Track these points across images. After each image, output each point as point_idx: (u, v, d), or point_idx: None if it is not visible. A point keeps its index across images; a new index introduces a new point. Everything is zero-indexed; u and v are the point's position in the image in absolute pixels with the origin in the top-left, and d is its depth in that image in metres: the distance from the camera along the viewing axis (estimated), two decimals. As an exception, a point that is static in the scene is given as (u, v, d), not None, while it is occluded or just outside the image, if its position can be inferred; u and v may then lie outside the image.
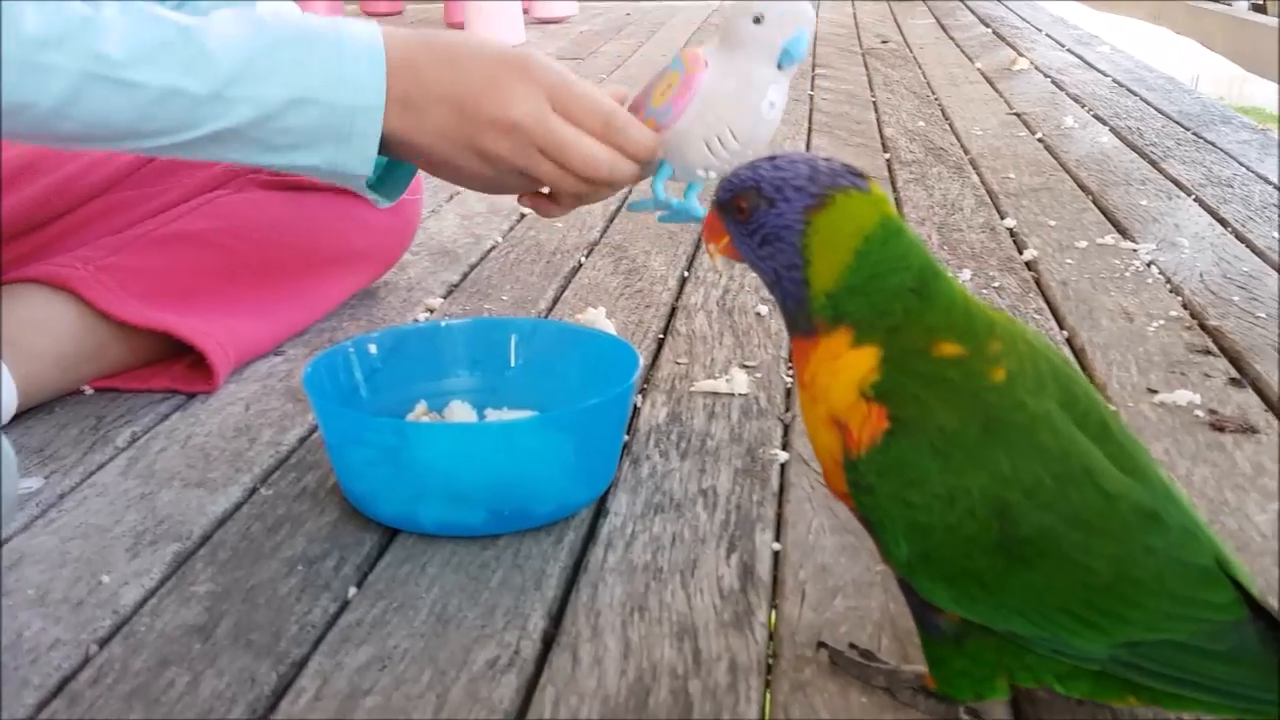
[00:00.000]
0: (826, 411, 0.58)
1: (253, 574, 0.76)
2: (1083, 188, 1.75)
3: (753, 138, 0.86)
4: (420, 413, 0.92)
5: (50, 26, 0.75)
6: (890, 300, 0.57)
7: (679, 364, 1.11)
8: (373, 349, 0.93)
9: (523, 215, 1.64)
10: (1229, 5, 2.26)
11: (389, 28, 0.86)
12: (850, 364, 0.57)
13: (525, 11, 3.81)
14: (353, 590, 0.74)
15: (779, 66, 0.84)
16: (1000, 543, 0.54)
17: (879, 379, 0.56)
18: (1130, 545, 0.54)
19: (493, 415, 0.92)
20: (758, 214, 0.59)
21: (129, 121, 0.79)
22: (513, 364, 0.96)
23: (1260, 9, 2.13)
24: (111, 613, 0.72)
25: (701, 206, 0.88)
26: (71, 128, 0.78)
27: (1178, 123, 2.20)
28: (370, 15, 4.83)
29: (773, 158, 0.60)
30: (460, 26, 3.83)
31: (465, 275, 1.39)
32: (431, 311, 1.27)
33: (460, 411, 0.91)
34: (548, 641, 0.70)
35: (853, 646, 0.68)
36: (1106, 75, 2.73)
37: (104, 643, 0.69)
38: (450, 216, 1.65)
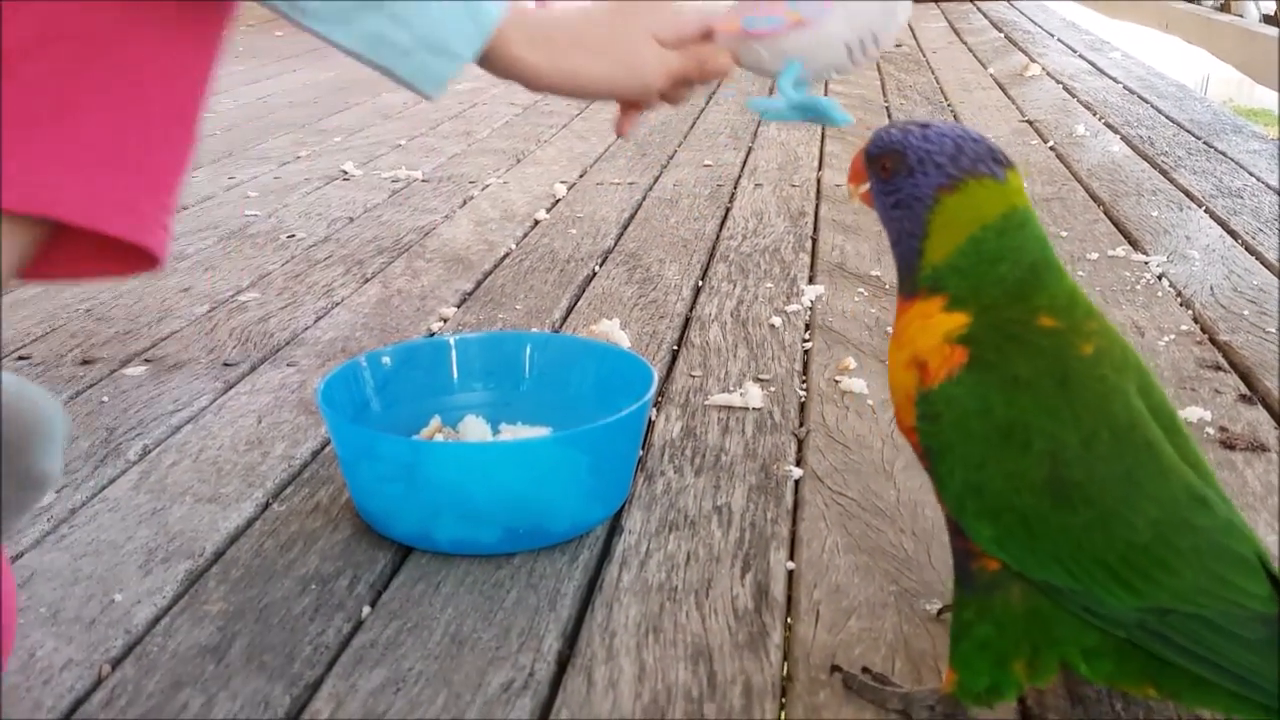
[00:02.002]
0: (910, 355, 0.61)
1: (266, 592, 0.76)
2: (1094, 198, 1.74)
3: (888, 44, 0.84)
4: (435, 428, 0.91)
5: None
6: (991, 285, 0.60)
7: (693, 377, 1.11)
8: (386, 362, 0.93)
9: (536, 222, 1.64)
10: (1240, 16, 2.25)
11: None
12: (942, 321, 0.60)
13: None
14: (366, 610, 0.74)
15: None
16: (1048, 483, 0.56)
17: (967, 331, 0.59)
18: (1174, 515, 0.56)
19: (507, 430, 0.92)
20: (897, 178, 0.62)
21: None
22: (527, 379, 0.95)
23: (1272, 20, 2.12)
24: (124, 632, 0.72)
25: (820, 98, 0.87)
26: None
27: (1189, 131, 2.19)
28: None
29: (925, 125, 0.62)
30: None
31: (479, 284, 1.39)
32: (445, 321, 1.27)
33: (475, 427, 0.91)
34: (562, 663, 0.70)
35: (866, 671, 0.68)
36: (1118, 82, 2.72)
37: (116, 663, 0.69)
38: (464, 223, 1.64)
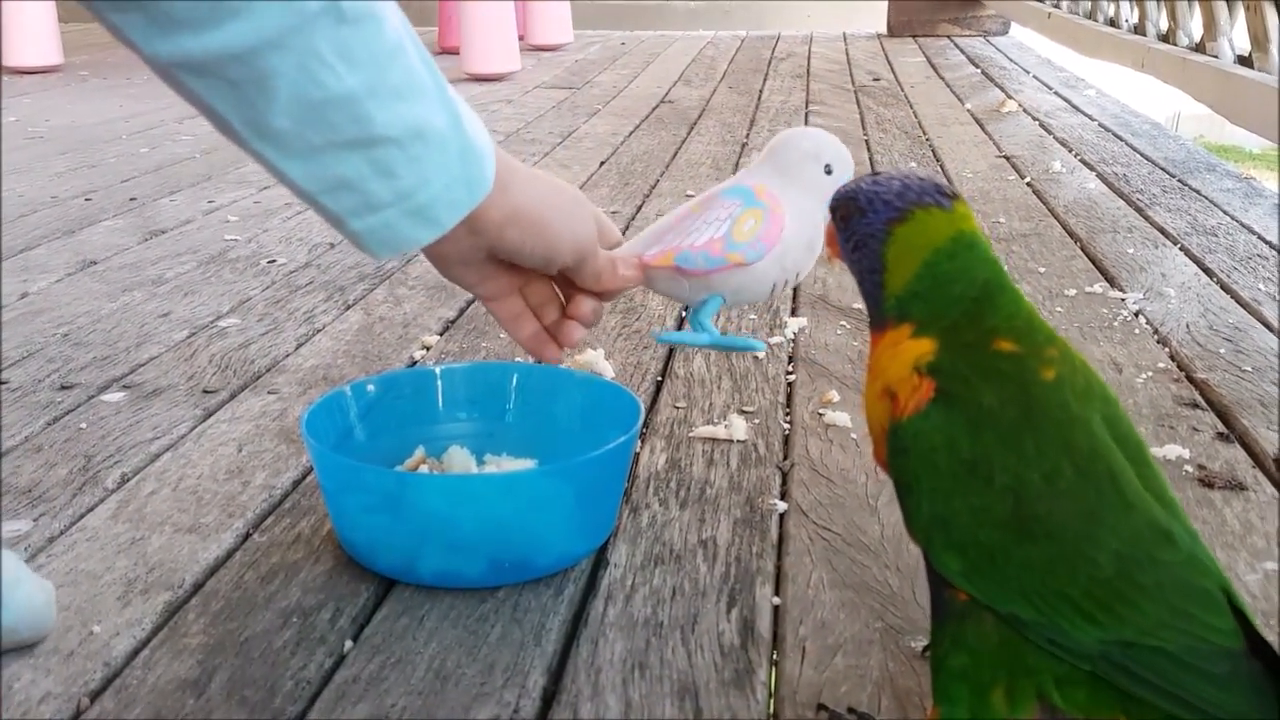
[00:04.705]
0: (882, 385, 0.62)
1: (246, 625, 0.75)
2: (1071, 234, 1.76)
3: (806, 273, 0.91)
4: (419, 458, 0.91)
5: None
6: (949, 305, 0.62)
7: (678, 408, 1.11)
8: (371, 390, 0.92)
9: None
10: (1215, 56, 2.28)
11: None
12: (910, 348, 0.62)
13: (520, 38, 3.83)
14: (349, 644, 0.74)
15: None
16: (1012, 517, 0.56)
17: (933, 360, 0.61)
18: (1137, 550, 0.56)
19: (492, 461, 0.92)
20: (852, 222, 0.65)
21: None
22: (512, 409, 0.95)
23: (1246, 62, 2.15)
24: (103, 664, 0.71)
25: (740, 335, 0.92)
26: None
27: (1163, 169, 2.22)
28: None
29: (877, 174, 0.65)
30: (455, 51, 3.84)
31: (462, 311, 1.39)
32: (428, 349, 1.26)
33: (459, 457, 0.90)
34: (548, 700, 0.69)
35: (852, 711, 0.68)
36: (1093, 119, 2.76)
37: (95, 696, 0.68)
38: (443, 251, 1.64)
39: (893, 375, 0.62)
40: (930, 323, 0.62)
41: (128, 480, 0.95)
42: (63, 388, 1.14)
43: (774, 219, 0.86)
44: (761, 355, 1.08)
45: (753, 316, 1.37)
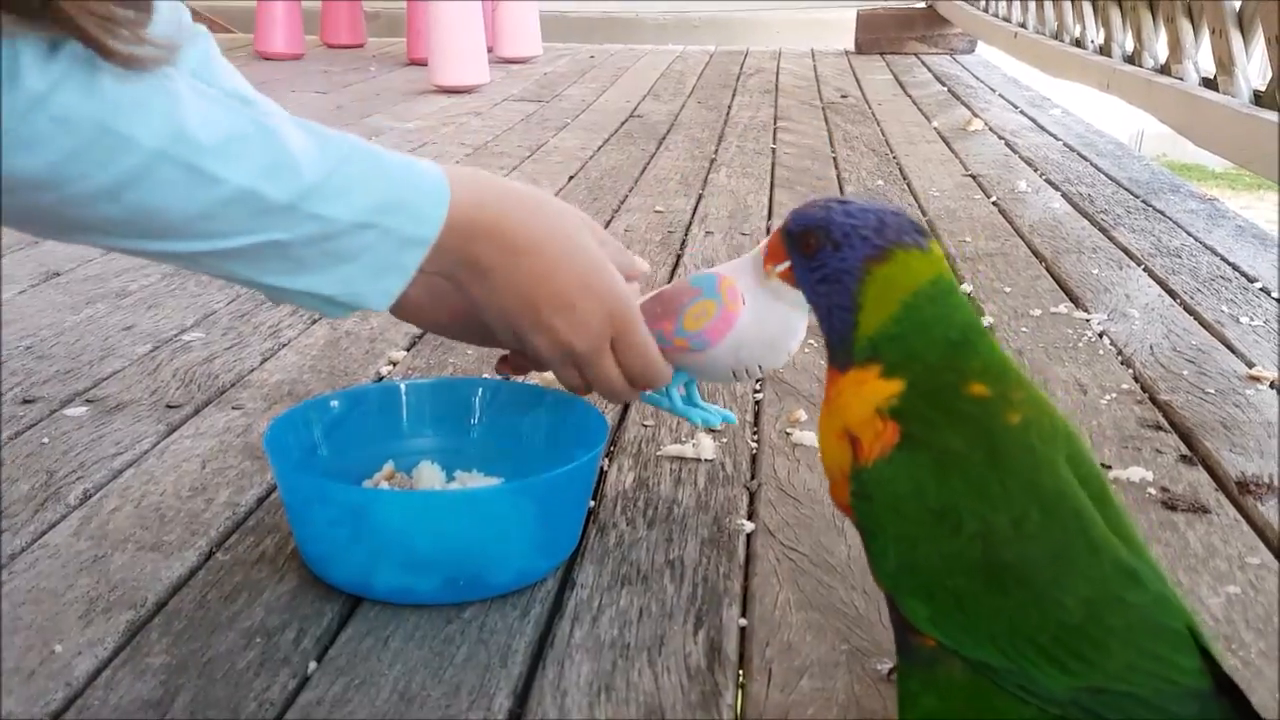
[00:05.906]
0: (842, 425, 0.61)
1: (209, 645, 0.74)
2: (1036, 254, 1.77)
3: (776, 368, 0.93)
4: (388, 473, 0.91)
5: (134, 93, 0.63)
6: (926, 348, 0.61)
7: (645, 426, 1.11)
8: (335, 406, 0.92)
9: (485, 265, 1.64)
10: (1180, 79, 2.31)
11: (471, 170, 0.79)
12: (875, 388, 0.61)
13: (489, 50, 3.83)
14: (313, 665, 0.73)
15: None
16: (980, 564, 0.56)
17: (898, 403, 0.60)
18: (1105, 593, 0.56)
19: (461, 477, 0.91)
20: (823, 254, 0.62)
21: (186, 218, 0.67)
22: (479, 425, 0.95)
23: (1211, 84, 2.18)
24: (64, 685, 0.70)
25: (712, 409, 0.99)
26: (115, 212, 0.65)
27: (1127, 189, 2.24)
28: (331, 46, 4.82)
29: (844, 202, 0.63)
30: (423, 63, 3.83)
31: (427, 328, 1.38)
32: (394, 365, 1.26)
33: (429, 473, 0.90)
34: (513, 723, 0.69)
35: (818, 732, 0.68)
36: (1058, 139, 2.78)
37: (56, 717, 0.67)
38: (412, 265, 1.63)
39: (853, 417, 0.61)
40: (902, 365, 0.60)
41: (90, 497, 0.94)
42: (25, 401, 1.13)
43: (725, 316, 0.88)
44: (719, 427, 1.09)
45: (721, 334, 1.37)
